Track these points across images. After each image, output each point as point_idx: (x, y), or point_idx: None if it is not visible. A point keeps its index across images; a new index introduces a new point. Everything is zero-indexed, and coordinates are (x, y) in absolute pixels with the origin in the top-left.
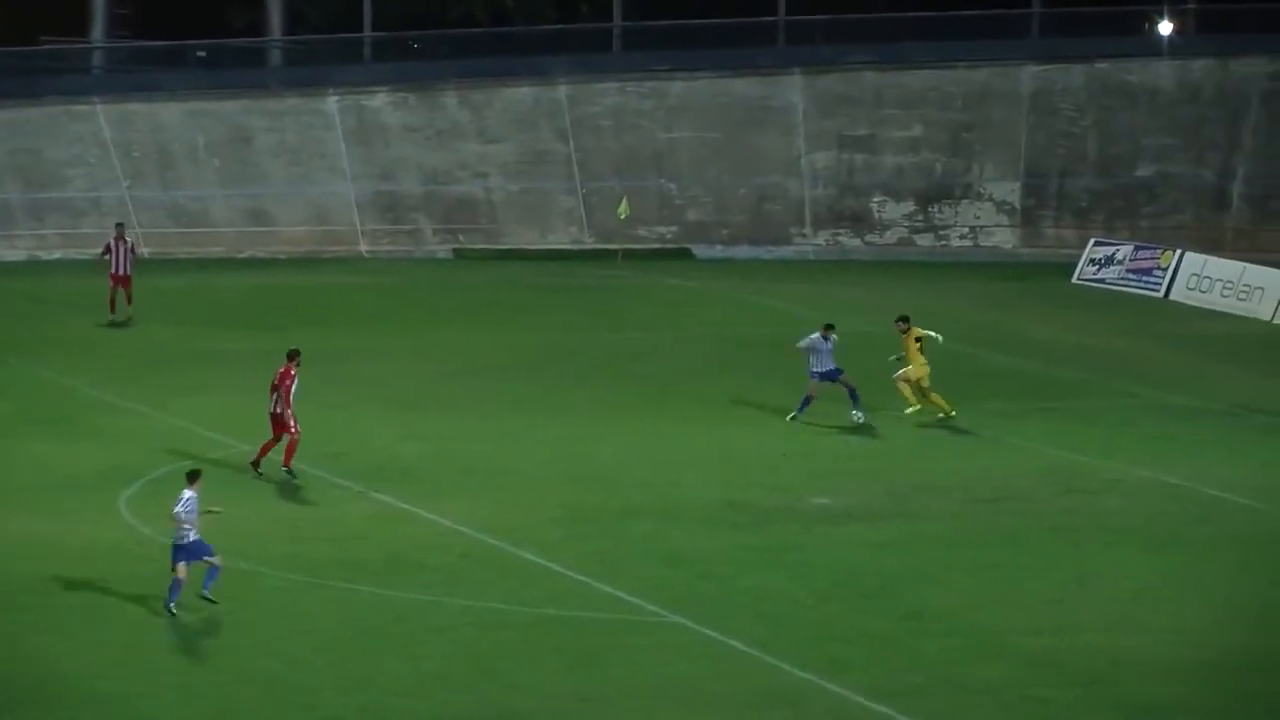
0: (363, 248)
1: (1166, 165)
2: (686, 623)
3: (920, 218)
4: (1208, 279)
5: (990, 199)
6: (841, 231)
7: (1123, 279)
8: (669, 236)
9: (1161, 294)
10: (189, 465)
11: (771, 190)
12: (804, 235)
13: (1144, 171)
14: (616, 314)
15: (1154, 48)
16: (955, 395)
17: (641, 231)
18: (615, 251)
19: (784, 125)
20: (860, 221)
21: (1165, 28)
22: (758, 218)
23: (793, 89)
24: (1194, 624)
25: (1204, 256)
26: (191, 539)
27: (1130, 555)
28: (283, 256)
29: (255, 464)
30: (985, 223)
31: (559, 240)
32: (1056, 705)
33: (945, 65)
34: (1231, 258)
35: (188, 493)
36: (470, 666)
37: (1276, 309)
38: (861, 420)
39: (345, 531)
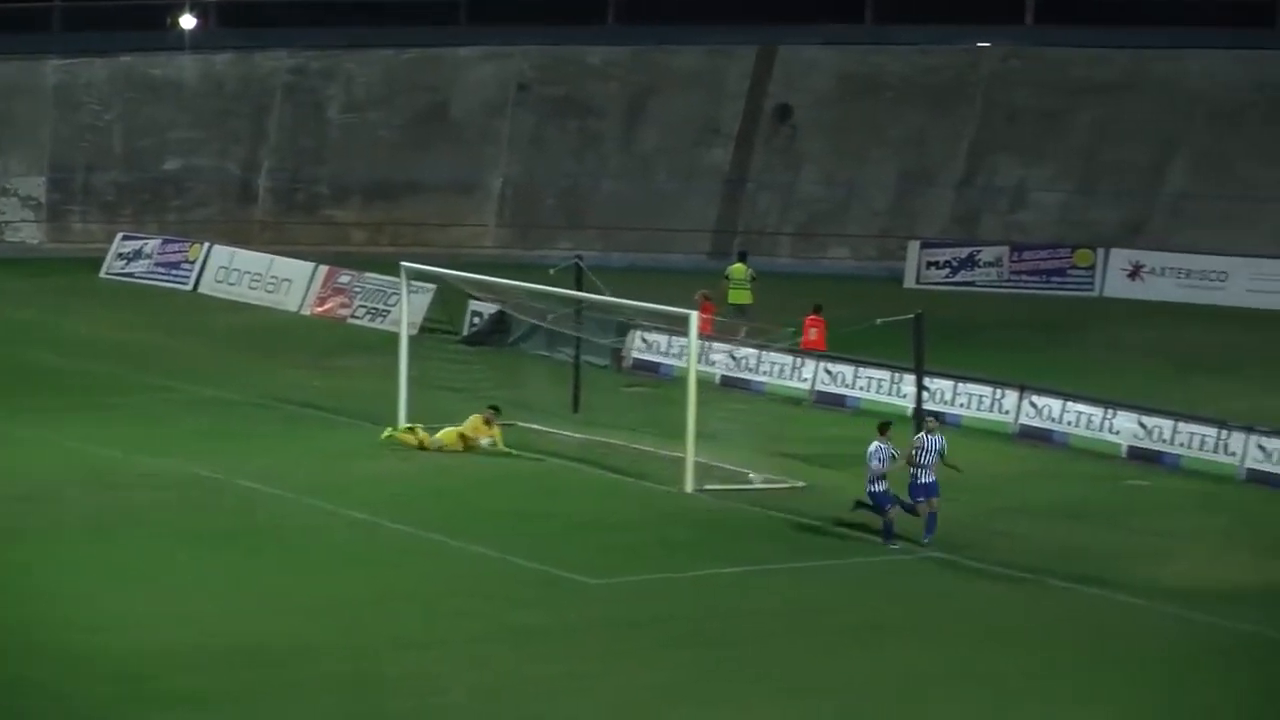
0: None
1: (193, 158)
2: None
3: None
4: (236, 271)
5: (16, 194)
6: None
7: (151, 272)
8: None
9: (191, 287)
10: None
11: None
12: None
13: (171, 165)
14: None
15: (177, 42)
16: None
17: None
18: None
19: None
20: None
21: (188, 22)
22: None
23: None
24: (227, 614)
25: (232, 249)
26: (881, 488)
27: (165, 549)
28: None
29: None
30: (11, 218)
31: None
32: (86, 701)
33: None
34: (259, 250)
35: (881, 445)
36: None
37: (303, 300)
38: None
39: None
